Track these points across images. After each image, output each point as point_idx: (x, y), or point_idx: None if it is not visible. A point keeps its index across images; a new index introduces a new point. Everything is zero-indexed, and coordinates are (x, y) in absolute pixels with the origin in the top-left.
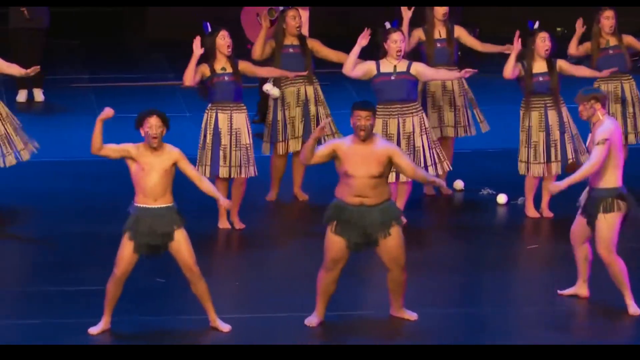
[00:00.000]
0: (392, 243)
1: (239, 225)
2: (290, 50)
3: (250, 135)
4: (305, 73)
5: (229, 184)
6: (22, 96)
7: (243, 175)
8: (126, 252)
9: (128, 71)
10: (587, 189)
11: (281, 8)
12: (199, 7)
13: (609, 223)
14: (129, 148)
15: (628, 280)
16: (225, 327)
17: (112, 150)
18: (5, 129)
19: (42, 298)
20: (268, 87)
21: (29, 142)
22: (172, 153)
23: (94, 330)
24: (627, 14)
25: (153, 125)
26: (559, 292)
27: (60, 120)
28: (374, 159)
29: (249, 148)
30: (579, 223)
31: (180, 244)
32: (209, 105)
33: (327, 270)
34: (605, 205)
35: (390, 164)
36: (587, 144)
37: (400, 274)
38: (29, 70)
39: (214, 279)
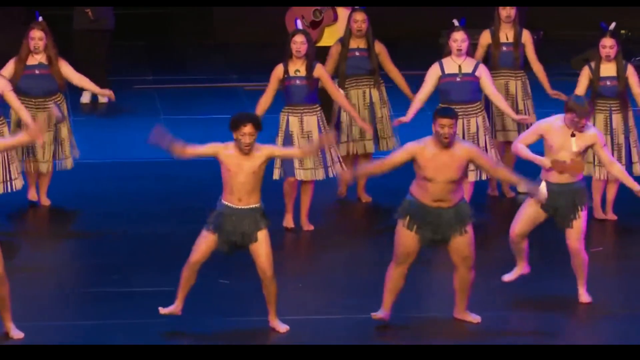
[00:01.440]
0: (463, 242)
1: (307, 226)
2: (357, 53)
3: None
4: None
5: (297, 185)
6: (86, 97)
7: (314, 178)
8: (204, 244)
9: (191, 73)
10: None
11: (326, 9)
12: (265, 9)
13: (584, 216)
14: (217, 149)
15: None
16: (283, 328)
17: (199, 153)
18: (67, 132)
19: (98, 299)
20: None
21: (75, 149)
22: (262, 151)
23: (164, 310)
24: None
25: (246, 134)
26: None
27: (124, 121)
28: (455, 164)
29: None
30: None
31: (261, 245)
32: (283, 107)
33: (397, 265)
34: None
35: (468, 165)
36: (574, 149)
37: (468, 273)
38: (102, 92)
39: (279, 280)
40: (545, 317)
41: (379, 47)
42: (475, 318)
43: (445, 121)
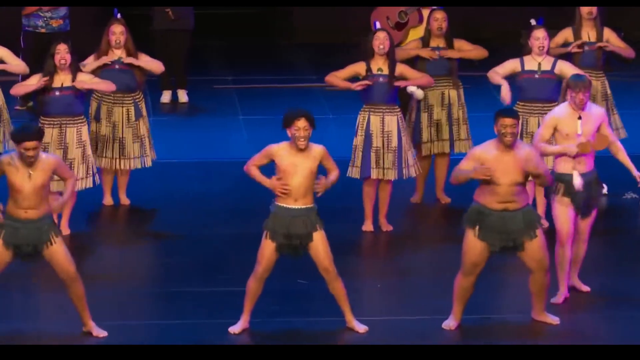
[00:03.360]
0: (535, 246)
1: (386, 227)
2: (436, 52)
3: (401, 138)
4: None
5: (376, 186)
6: (166, 97)
7: (392, 178)
8: (267, 250)
9: (271, 73)
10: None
11: (411, 11)
12: (346, 9)
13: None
14: (272, 152)
15: None
16: (361, 328)
17: (259, 162)
18: (146, 130)
19: (183, 298)
20: (413, 89)
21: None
22: (317, 152)
23: (234, 329)
24: None
25: (301, 127)
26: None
27: (204, 121)
28: (518, 166)
29: (397, 150)
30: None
31: (318, 245)
32: (363, 106)
33: (465, 275)
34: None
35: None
36: (580, 131)
37: (544, 276)
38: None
39: (357, 281)
40: (625, 318)
41: (458, 43)
42: (554, 319)
43: (507, 121)
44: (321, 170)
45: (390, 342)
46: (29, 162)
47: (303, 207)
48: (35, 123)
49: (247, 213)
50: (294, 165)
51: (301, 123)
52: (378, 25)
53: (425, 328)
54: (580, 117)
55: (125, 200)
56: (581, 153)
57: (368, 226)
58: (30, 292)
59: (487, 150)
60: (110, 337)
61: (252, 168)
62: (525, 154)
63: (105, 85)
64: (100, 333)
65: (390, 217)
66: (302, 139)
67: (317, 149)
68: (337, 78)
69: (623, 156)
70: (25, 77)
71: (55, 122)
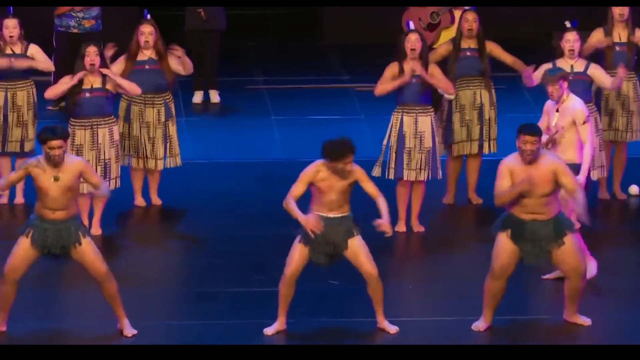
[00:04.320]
0: (568, 253)
1: (417, 228)
2: (468, 53)
3: (434, 138)
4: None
5: (409, 187)
6: (198, 98)
7: (424, 178)
8: (297, 254)
9: (302, 73)
10: None
11: (443, 12)
12: (377, 10)
13: None
14: (310, 178)
15: None
16: (392, 329)
17: (300, 193)
18: (174, 131)
19: (215, 299)
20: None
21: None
22: (355, 174)
23: (269, 330)
24: None
25: (348, 162)
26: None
27: (236, 121)
28: (544, 179)
29: (429, 151)
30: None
31: (357, 251)
32: (396, 106)
33: (494, 278)
34: None
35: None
36: (554, 123)
37: (580, 281)
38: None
39: (389, 282)
40: None
41: (491, 46)
42: (585, 320)
43: (528, 138)
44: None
45: (420, 343)
46: (55, 162)
47: (338, 216)
48: (59, 124)
49: (279, 214)
50: (329, 185)
51: (349, 159)
52: (412, 25)
53: (456, 329)
54: (558, 110)
55: (157, 200)
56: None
57: (401, 227)
58: (63, 291)
59: (515, 163)
60: (142, 337)
61: (290, 203)
62: (552, 165)
63: (128, 86)
64: (130, 332)
65: (422, 218)
66: (349, 171)
67: (355, 170)
68: (384, 83)
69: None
70: (57, 78)
71: (87, 124)
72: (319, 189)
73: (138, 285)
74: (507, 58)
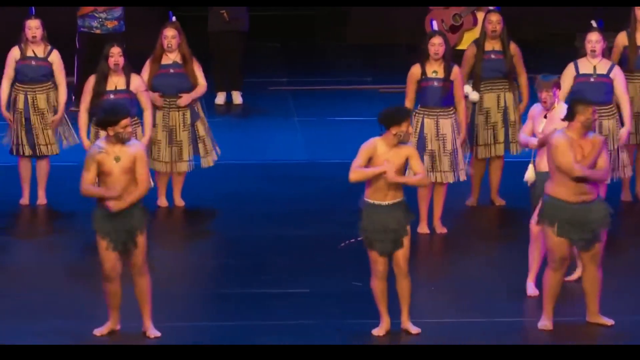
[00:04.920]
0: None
1: (440, 229)
2: (492, 55)
3: (456, 140)
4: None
5: (431, 188)
6: (220, 99)
7: (450, 181)
8: (375, 254)
9: (326, 74)
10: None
11: (465, 12)
12: (400, 11)
13: None
14: (370, 152)
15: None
16: (415, 330)
17: (363, 163)
18: (205, 130)
19: (235, 300)
20: (468, 90)
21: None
22: (407, 150)
23: (378, 331)
24: None
25: (405, 131)
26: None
27: (258, 122)
28: (595, 152)
29: (452, 153)
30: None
31: (405, 239)
32: (417, 108)
33: (554, 270)
34: None
35: None
36: (541, 129)
37: (597, 271)
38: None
39: (412, 283)
40: None
41: (514, 49)
42: (608, 321)
43: (591, 109)
44: None
45: (442, 343)
46: (126, 140)
47: (393, 202)
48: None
49: (302, 214)
50: (385, 161)
51: (407, 124)
52: (435, 25)
53: (479, 330)
54: (546, 117)
55: (180, 202)
56: None
57: (423, 228)
58: (84, 293)
59: (568, 138)
60: (165, 338)
61: (356, 167)
62: (599, 141)
63: (148, 102)
64: (153, 334)
65: (444, 219)
66: (409, 134)
67: (407, 148)
68: (408, 99)
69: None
70: (79, 79)
71: None
72: (375, 165)
73: (163, 286)
74: (520, 69)
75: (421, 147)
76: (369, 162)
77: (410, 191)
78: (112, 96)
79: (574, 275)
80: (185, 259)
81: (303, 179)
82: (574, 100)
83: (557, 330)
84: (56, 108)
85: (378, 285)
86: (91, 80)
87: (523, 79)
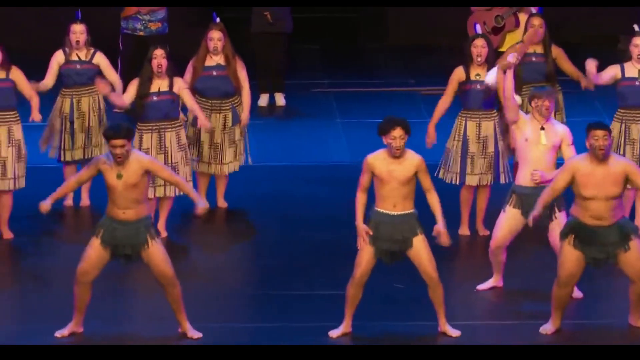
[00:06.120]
0: (633, 257)
1: (482, 232)
2: (533, 58)
3: (497, 143)
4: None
5: (474, 191)
6: (263, 100)
7: (488, 182)
8: (365, 255)
9: (368, 76)
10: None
11: (507, 14)
12: (443, 13)
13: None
14: (369, 163)
15: None
16: (454, 333)
17: (368, 182)
18: (240, 135)
19: (278, 301)
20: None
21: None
22: (414, 161)
23: (334, 333)
24: None
25: (397, 137)
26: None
27: (301, 124)
28: (612, 179)
29: (493, 156)
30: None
31: (420, 250)
32: (460, 111)
33: (560, 287)
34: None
35: (626, 181)
36: (544, 142)
37: None
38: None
39: (454, 285)
40: None
41: (556, 51)
42: None
43: (599, 133)
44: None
45: (483, 343)
46: (118, 161)
47: (402, 212)
48: (126, 122)
49: (345, 217)
50: (389, 173)
51: (397, 132)
52: (478, 29)
53: (519, 332)
54: (543, 128)
55: (223, 203)
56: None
57: (464, 230)
58: (125, 294)
59: (582, 162)
60: (206, 339)
61: (360, 198)
62: (623, 166)
63: (192, 100)
64: (195, 334)
65: (487, 221)
66: (397, 149)
67: (415, 158)
68: (443, 98)
69: None
70: (124, 81)
71: (154, 127)
72: (380, 178)
73: (199, 287)
74: (568, 67)
75: (464, 149)
76: (373, 175)
77: (452, 194)
78: (155, 98)
79: (487, 285)
80: (227, 260)
81: (346, 181)
82: (589, 124)
83: (599, 332)
84: (101, 112)
85: (351, 290)
86: (134, 83)
87: (571, 69)
